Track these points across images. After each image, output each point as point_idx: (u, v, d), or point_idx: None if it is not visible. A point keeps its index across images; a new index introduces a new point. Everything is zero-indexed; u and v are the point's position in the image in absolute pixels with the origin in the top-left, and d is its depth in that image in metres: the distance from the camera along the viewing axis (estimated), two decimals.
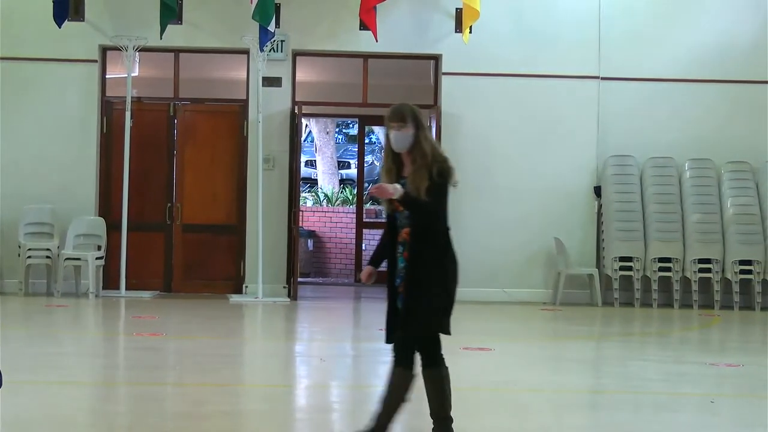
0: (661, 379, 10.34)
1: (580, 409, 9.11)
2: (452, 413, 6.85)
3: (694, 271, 16.75)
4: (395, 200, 6.59)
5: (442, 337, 6.82)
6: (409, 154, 6.69)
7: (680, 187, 17.23)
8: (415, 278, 6.67)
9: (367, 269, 7.01)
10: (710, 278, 16.82)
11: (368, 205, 22.04)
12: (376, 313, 16.36)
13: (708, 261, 16.79)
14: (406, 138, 6.64)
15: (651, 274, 16.83)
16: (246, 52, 16.78)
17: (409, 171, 6.69)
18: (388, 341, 6.84)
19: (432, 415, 6.86)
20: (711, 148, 17.28)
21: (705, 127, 17.36)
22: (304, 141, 28.07)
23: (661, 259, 16.85)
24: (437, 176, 6.64)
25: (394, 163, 6.76)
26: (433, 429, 6.84)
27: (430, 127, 17.14)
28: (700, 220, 16.93)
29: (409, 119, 6.65)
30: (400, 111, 6.70)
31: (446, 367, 6.86)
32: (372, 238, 21.46)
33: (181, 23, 16.75)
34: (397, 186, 6.57)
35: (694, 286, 16.79)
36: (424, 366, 6.81)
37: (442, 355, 6.85)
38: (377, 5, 16.06)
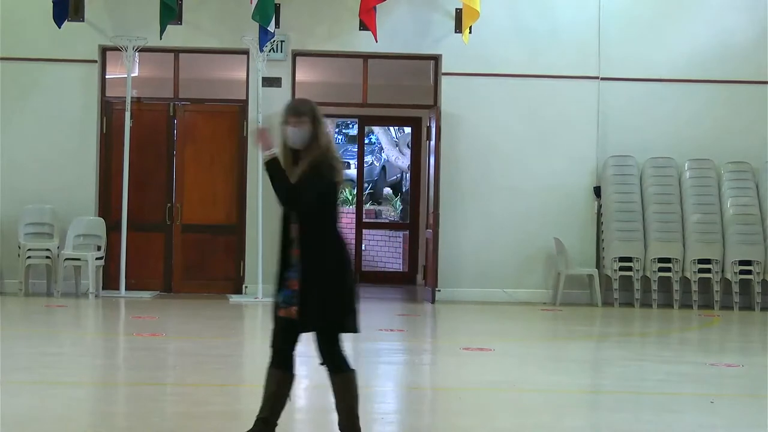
0: (661, 380, 10.34)
1: (580, 409, 9.10)
2: (360, 423, 6.66)
3: (694, 272, 16.75)
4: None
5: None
6: (306, 150, 6.55)
7: (680, 188, 17.23)
8: (308, 276, 6.52)
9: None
10: (710, 278, 16.82)
11: (368, 205, 22.04)
12: (375, 312, 16.38)
13: (708, 261, 16.79)
14: (303, 134, 6.50)
15: (651, 275, 16.83)
16: (246, 52, 16.78)
17: (298, 169, 6.55)
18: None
19: (340, 426, 6.70)
20: (711, 149, 17.28)
21: (705, 127, 17.36)
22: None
23: (661, 260, 16.85)
24: (309, 168, 6.46)
25: (290, 158, 6.58)
26: None
27: (430, 127, 17.20)
28: (699, 221, 16.93)
29: (307, 115, 6.53)
30: (297, 107, 6.59)
31: (352, 371, 6.70)
32: (372, 238, 21.47)
33: (180, 23, 16.76)
34: (276, 149, 6.53)
35: (694, 287, 16.79)
36: (328, 372, 6.69)
37: (344, 357, 6.70)
38: (377, 5, 16.06)
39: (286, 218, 6.62)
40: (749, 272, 16.74)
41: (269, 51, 16.45)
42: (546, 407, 8.81)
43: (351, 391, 6.66)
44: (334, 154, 6.58)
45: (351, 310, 6.63)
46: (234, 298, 16.28)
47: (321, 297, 6.52)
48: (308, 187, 6.45)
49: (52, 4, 16.06)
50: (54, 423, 7.67)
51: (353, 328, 6.64)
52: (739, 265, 16.72)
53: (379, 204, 27.21)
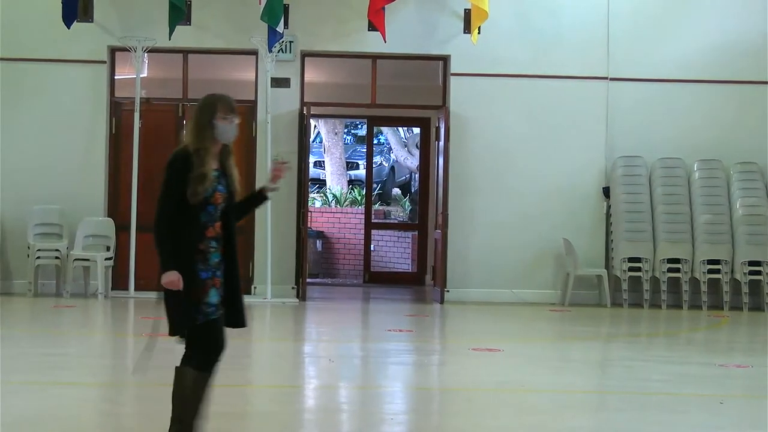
0: (670, 380, 10.32)
1: (588, 409, 9.09)
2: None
3: (703, 272, 16.73)
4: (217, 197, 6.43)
5: None
6: (225, 146, 6.51)
7: (689, 188, 17.20)
8: (234, 272, 6.51)
9: (175, 276, 6.48)
10: (719, 279, 16.79)
11: (377, 206, 22.04)
12: (384, 313, 16.40)
13: (717, 262, 16.76)
14: (236, 130, 6.49)
15: (660, 275, 16.81)
16: (254, 52, 16.79)
17: (227, 164, 6.50)
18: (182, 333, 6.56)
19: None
20: (720, 149, 17.25)
21: (714, 127, 17.34)
22: (313, 142, 28.08)
23: (670, 260, 16.83)
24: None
25: (215, 154, 6.48)
26: None
27: (439, 127, 17.20)
28: (709, 221, 16.90)
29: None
30: (232, 103, 6.55)
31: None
32: (380, 239, 21.46)
33: (189, 24, 16.77)
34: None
35: (703, 287, 16.76)
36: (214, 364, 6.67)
37: None
38: (386, 6, 16.06)
39: (193, 214, 6.43)
40: (759, 273, 16.71)
41: (278, 51, 16.46)
42: (554, 408, 8.81)
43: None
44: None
45: None
46: None
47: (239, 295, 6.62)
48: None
49: (61, 4, 16.08)
50: (62, 423, 7.68)
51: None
52: (748, 265, 16.69)
53: (388, 204, 27.24)
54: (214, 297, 6.46)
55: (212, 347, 6.54)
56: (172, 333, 6.49)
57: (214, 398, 8.79)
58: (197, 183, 6.31)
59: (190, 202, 6.36)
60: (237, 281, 6.53)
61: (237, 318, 6.57)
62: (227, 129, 6.44)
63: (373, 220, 21.22)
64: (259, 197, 6.73)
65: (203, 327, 6.45)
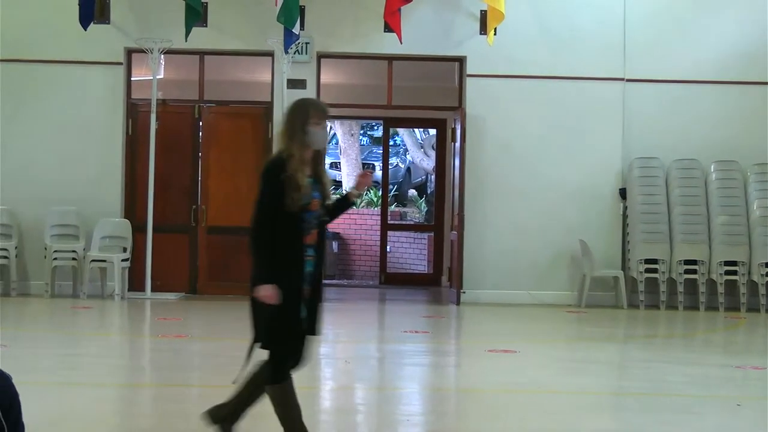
0: (687, 382, 10.29)
1: (605, 411, 9.08)
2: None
3: (720, 274, 16.68)
4: (314, 203, 6.40)
5: None
6: (321, 151, 6.48)
7: (706, 189, 17.16)
8: (320, 280, 6.52)
9: (273, 290, 6.33)
10: (736, 280, 16.74)
11: (393, 207, 22.04)
12: (400, 314, 16.40)
13: (734, 263, 16.71)
14: (327, 136, 6.51)
15: (676, 277, 16.77)
16: (270, 54, 16.81)
17: (319, 170, 6.46)
18: (282, 350, 6.47)
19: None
20: (737, 150, 17.20)
21: (731, 129, 17.29)
22: (329, 143, 28.08)
23: (687, 262, 16.79)
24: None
25: (306, 161, 6.40)
26: None
27: (455, 129, 17.19)
28: (725, 222, 16.85)
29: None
30: (325, 108, 6.48)
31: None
32: (396, 240, 21.46)
33: (206, 26, 16.79)
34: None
35: (720, 289, 16.72)
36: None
37: None
38: (402, 7, 16.06)
39: (295, 221, 6.35)
40: None
41: (294, 53, 16.47)
42: (570, 409, 8.79)
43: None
44: None
45: None
46: None
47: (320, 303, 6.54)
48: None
49: (77, 6, 16.12)
50: (79, 424, 7.70)
51: None
52: (765, 267, 16.63)
53: (404, 206, 27.22)
54: (303, 311, 6.45)
55: (296, 359, 6.56)
56: (257, 341, 6.45)
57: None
58: (293, 190, 6.26)
59: (287, 210, 6.29)
60: (320, 289, 6.53)
61: (313, 326, 6.54)
62: (320, 135, 6.39)
63: (389, 222, 21.21)
64: (346, 202, 6.71)
65: (291, 339, 6.48)
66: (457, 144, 17.10)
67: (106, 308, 15.49)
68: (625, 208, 17.17)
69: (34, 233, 16.49)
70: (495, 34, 16.69)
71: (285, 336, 6.41)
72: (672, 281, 16.88)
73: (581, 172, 17.13)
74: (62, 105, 16.79)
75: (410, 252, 21.53)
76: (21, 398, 5.03)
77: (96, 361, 10.99)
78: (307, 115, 6.38)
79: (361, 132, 31.76)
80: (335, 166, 29.78)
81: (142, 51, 16.65)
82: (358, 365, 11.36)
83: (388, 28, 16.49)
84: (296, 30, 15.82)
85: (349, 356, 11.90)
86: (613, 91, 17.25)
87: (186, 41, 16.12)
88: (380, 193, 22.20)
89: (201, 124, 17.16)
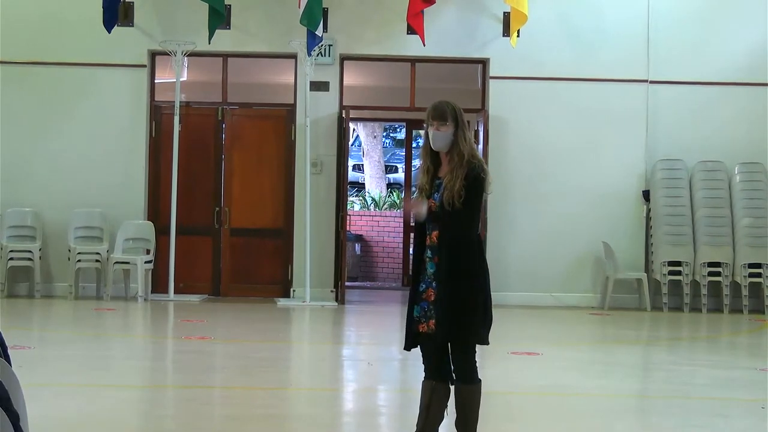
0: (711, 384, 10.26)
1: (629, 414, 9.05)
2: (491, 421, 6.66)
3: (744, 276, 16.61)
4: (431, 205, 6.45)
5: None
6: (447, 154, 6.48)
7: (730, 191, 17.09)
8: (449, 286, 6.36)
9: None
10: (761, 283, 16.66)
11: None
12: None
13: (758, 265, 16.63)
14: (446, 137, 6.42)
15: (700, 279, 16.70)
16: (294, 56, 16.83)
17: (446, 171, 6.47)
18: (406, 348, 6.58)
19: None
20: (761, 152, 17.12)
21: (755, 131, 17.20)
22: (352, 145, 28.14)
23: (711, 264, 16.72)
24: (473, 183, 6.36)
25: (432, 163, 6.53)
26: None
27: (478, 131, 17.15)
28: (750, 224, 16.78)
29: (450, 118, 6.44)
30: (442, 109, 6.48)
31: (479, 382, 6.60)
32: None
33: (229, 28, 16.82)
34: (423, 208, 6.49)
35: (744, 291, 16.64)
36: (458, 380, 6.53)
37: (476, 368, 6.60)
38: (425, 9, 16.05)
39: (422, 224, 6.63)
40: None
41: (317, 55, 16.48)
42: (594, 412, 8.77)
43: (476, 402, 6.60)
44: (482, 164, 6.52)
45: (489, 323, 6.59)
46: (282, 302, 16.32)
47: (460, 307, 6.39)
48: (475, 208, 6.44)
49: (102, 9, 16.17)
50: (103, 426, 7.72)
51: (487, 341, 6.63)
52: None
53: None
54: (416, 310, 6.51)
55: (426, 361, 6.59)
56: (471, 340, 6.58)
57: (254, 400, 8.84)
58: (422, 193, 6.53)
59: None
60: (450, 298, 6.39)
61: (448, 333, 6.45)
62: (433, 136, 6.49)
63: (411, 224, 21.16)
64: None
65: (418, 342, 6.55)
66: (480, 146, 17.07)
67: (130, 310, 15.53)
68: (649, 210, 17.12)
69: (58, 235, 16.54)
70: (518, 36, 16.66)
71: (409, 340, 6.58)
72: (696, 283, 16.81)
73: (604, 173, 17.08)
74: (86, 107, 16.84)
75: None
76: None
77: (120, 363, 11.03)
78: (426, 118, 6.56)
79: (384, 134, 31.81)
80: (358, 168, 29.82)
81: (165, 53, 16.69)
82: (381, 367, 11.37)
83: (411, 30, 16.49)
84: (319, 32, 15.84)
85: (372, 358, 11.90)
86: (637, 93, 17.20)
87: (209, 43, 16.14)
88: (403, 194, 22.18)
89: (224, 126, 17.20)
